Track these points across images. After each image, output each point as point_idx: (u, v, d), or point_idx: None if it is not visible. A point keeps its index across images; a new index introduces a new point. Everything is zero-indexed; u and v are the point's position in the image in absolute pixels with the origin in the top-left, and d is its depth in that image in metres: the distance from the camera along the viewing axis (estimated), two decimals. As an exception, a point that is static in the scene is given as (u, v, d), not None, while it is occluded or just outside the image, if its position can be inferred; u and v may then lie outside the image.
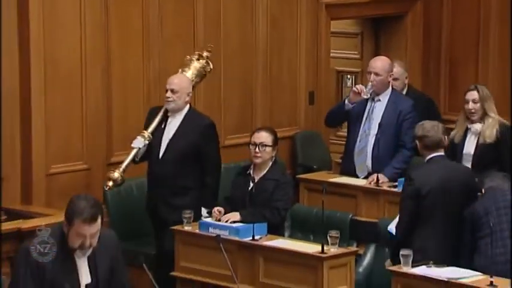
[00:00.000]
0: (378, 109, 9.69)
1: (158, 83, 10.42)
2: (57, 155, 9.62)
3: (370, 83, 9.24)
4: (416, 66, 12.34)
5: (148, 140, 9.06)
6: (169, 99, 9.06)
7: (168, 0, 10.54)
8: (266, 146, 8.63)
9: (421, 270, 7.92)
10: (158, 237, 9.28)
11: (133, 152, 8.96)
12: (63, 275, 6.13)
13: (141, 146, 8.76)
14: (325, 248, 8.03)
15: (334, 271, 8.13)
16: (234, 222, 8.65)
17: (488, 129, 9.22)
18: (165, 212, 9.21)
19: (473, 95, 9.27)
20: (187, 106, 9.27)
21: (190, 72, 9.11)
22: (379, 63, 9.79)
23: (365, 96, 9.30)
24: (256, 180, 8.72)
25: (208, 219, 8.63)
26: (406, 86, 10.07)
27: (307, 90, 11.31)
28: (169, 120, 9.19)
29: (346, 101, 9.14)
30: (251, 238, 8.27)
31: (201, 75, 9.12)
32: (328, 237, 8.06)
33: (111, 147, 10.03)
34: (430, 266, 7.99)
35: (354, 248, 8.66)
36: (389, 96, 9.72)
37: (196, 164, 9.22)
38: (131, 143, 9.03)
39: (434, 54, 12.13)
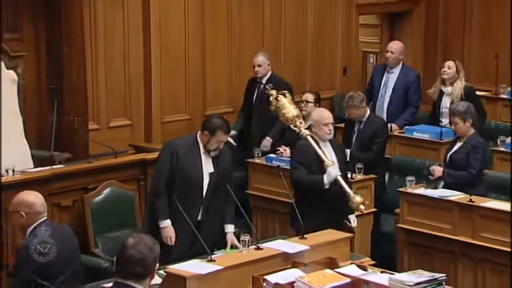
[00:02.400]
0: (392, 79, 9.67)
1: (238, 58, 10.43)
2: (169, 109, 9.76)
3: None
4: (419, 48, 12.30)
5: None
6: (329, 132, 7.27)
7: (244, 0, 10.18)
8: (308, 102, 8.53)
9: (420, 191, 7.65)
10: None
11: (342, 180, 6.96)
12: (192, 164, 6.55)
13: (338, 173, 7.00)
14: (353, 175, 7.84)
15: (360, 191, 7.56)
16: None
17: (456, 91, 9.10)
18: None
19: (449, 63, 9.26)
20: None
21: (289, 108, 7.40)
22: (394, 46, 9.85)
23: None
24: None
25: (272, 155, 8.47)
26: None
27: (342, 65, 11.33)
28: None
29: None
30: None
31: (293, 102, 7.58)
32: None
33: (205, 103, 9.98)
34: (427, 189, 7.63)
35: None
36: (400, 70, 9.65)
37: None
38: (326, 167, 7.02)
39: (432, 39, 12.17)
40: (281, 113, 7.42)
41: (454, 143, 7.80)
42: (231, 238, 6.62)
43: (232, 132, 8.18)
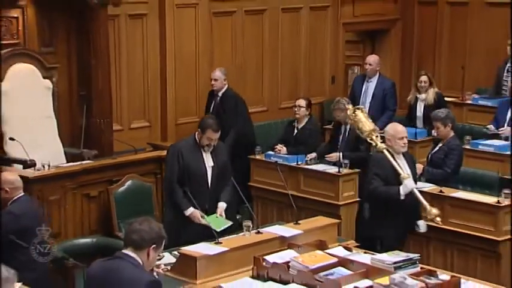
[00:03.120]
0: (371, 87, 9.58)
1: (240, 68, 10.39)
2: (182, 112, 9.75)
3: None
4: (396, 61, 12.18)
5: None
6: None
7: (246, 19, 10.22)
8: (301, 107, 8.36)
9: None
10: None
11: (418, 193, 6.38)
12: (195, 160, 6.50)
13: (414, 185, 6.37)
14: (340, 169, 7.80)
15: (346, 184, 7.79)
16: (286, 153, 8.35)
17: (429, 97, 9.19)
18: None
19: (424, 77, 9.30)
20: None
21: (365, 122, 6.83)
22: (372, 59, 9.78)
23: None
24: (298, 129, 8.49)
25: (271, 153, 8.43)
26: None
27: (330, 75, 11.09)
28: None
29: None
30: (296, 163, 8.12)
31: (368, 117, 6.96)
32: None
33: None
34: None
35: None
36: (377, 79, 9.57)
37: None
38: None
39: (408, 53, 12.13)
40: (358, 127, 6.87)
41: (436, 143, 7.74)
42: (220, 210, 6.54)
43: None
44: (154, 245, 4.05)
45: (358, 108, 6.96)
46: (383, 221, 6.30)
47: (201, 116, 9.07)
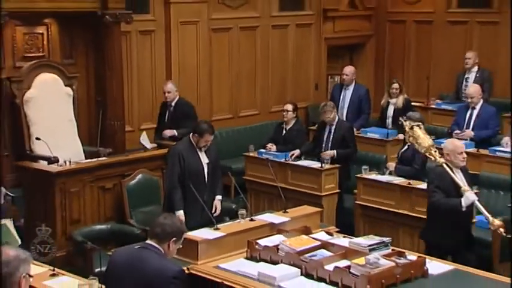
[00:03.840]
0: (348, 94, 9.48)
1: (235, 77, 10.38)
2: None
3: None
4: (371, 71, 12.06)
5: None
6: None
7: (241, 34, 10.28)
8: (288, 111, 8.29)
9: (372, 176, 7.52)
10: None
11: (479, 204, 5.76)
12: (193, 158, 6.44)
13: (476, 198, 5.75)
14: (323, 165, 7.77)
15: (328, 177, 7.73)
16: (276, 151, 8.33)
17: (399, 101, 9.07)
18: None
19: (395, 85, 9.19)
20: None
21: (424, 138, 6.26)
22: (348, 69, 9.67)
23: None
24: (286, 130, 8.41)
25: (263, 150, 8.34)
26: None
27: (314, 83, 11.10)
28: None
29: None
30: (284, 159, 8.07)
31: (426, 133, 6.41)
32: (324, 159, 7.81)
33: (212, 111, 10.04)
34: (377, 175, 7.51)
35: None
36: (353, 87, 9.49)
37: None
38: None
39: (380, 64, 12.07)
40: (417, 143, 6.29)
41: (405, 143, 7.37)
42: (216, 203, 6.53)
43: (153, 145, 8.18)
44: (174, 238, 3.98)
45: (416, 125, 6.37)
46: (442, 229, 5.78)
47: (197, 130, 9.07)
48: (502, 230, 5.58)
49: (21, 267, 3.10)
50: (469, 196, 5.64)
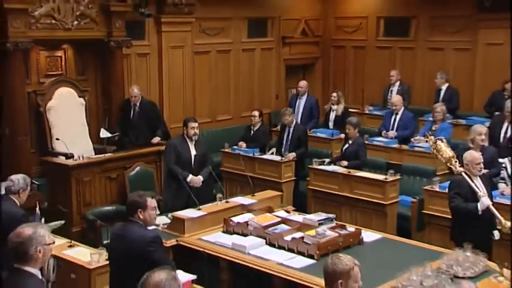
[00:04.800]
0: (302, 103, 9.40)
1: (213, 90, 10.17)
2: (174, 119, 9.10)
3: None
4: (319, 84, 11.87)
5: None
6: None
7: (217, 56, 10.17)
8: (255, 116, 8.33)
9: (321, 167, 7.41)
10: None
11: (493, 208, 5.14)
12: (184, 150, 6.47)
13: (490, 202, 5.14)
14: (282, 158, 7.79)
15: (286, 168, 7.72)
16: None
17: (339, 108, 9.05)
18: None
19: (334, 94, 9.21)
20: None
21: (446, 150, 5.58)
22: (302, 83, 9.60)
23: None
24: (254, 131, 8.44)
25: (236, 147, 8.21)
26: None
27: (275, 94, 11.02)
28: None
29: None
30: (252, 154, 8.00)
31: (448, 146, 5.68)
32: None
33: (196, 115, 9.03)
34: (325, 165, 7.42)
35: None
36: (306, 97, 9.42)
37: None
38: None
39: (327, 79, 11.93)
40: (439, 154, 5.63)
41: (345, 141, 7.60)
42: (198, 178, 6.45)
43: (115, 134, 7.88)
44: (140, 209, 3.98)
45: (439, 139, 5.74)
46: (465, 230, 5.20)
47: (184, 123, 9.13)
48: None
49: (34, 243, 3.04)
50: (484, 201, 5.07)
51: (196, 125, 6.55)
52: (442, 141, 5.70)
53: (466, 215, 5.16)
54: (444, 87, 9.43)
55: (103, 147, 7.84)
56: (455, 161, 5.47)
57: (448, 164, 5.61)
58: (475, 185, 5.18)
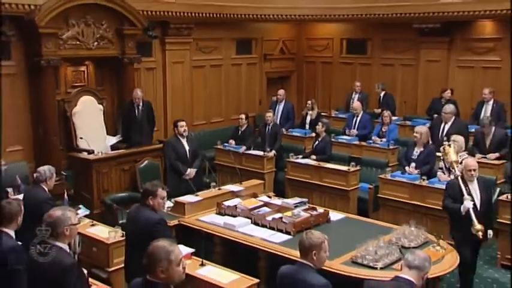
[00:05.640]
0: (280, 107, 9.26)
1: (208, 97, 9.93)
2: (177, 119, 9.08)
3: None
4: (295, 92, 11.62)
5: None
6: None
7: (211, 70, 10.03)
8: (242, 119, 8.20)
9: (296, 160, 7.34)
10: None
11: (471, 211, 4.65)
12: (179, 146, 6.38)
13: (470, 206, 4.65)
14: (264, 153, 7.72)
15: (268, 161, 7.70)
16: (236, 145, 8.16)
17: (313, 113, 9.09)
18: None
19: (309, 101, 9.24)
20: None
21: (452, 154, 5.17)
22: (281, 92, 9.42)
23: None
24: (241, 131, 8.31)
25: (226, 144, 8.11)
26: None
27: (258, 100, 10.95)
28: None
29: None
30: (240, 150, 7.96)
31: (455, 151, 5.26)
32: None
33: (193, 118, 9.60)
34: (299, 159, 7.32)
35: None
36: (284, 103, 9.27)
37: None
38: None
39: (301, 88, 11.73)
40: (446, 157, 5.29)
41: (315, 139, 7.60)
42: (191, 170, 6.41)
43: (118, 138, 7.66)
44: (151, 196, 3.94)
45: (449, 145, 5.31)
46: (457, 226, 4.81)
47: (187, 123, 9.04)
48: (480, 233, 4.57)
49: (63, 222, 3.07)
50: (466, 204, 4.63)
51: (184, 123, 6.50)
52: (450, 146, 5.25)
53: (453, 214, 4.80)
54: (382, 94, 9.72)
55: (118, 145, 7.79)
56: (458, 165, 5.04)
57: (451, 168, 5.27)
58: (467, 189, 4.72)
